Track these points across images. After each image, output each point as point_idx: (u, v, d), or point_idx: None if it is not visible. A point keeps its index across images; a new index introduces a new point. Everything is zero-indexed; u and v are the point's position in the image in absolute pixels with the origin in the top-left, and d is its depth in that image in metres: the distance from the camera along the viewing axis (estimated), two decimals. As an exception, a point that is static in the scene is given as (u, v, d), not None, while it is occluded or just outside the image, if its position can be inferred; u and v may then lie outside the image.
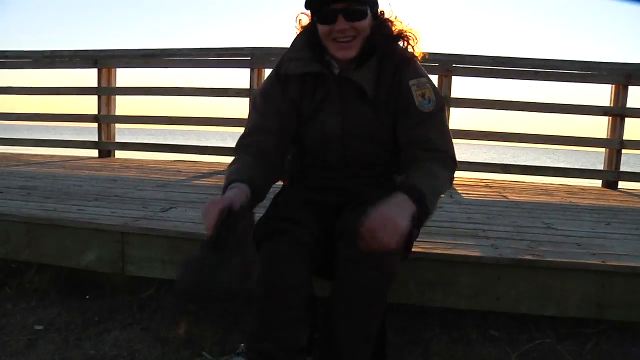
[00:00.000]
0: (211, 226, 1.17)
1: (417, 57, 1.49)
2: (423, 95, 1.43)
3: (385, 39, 1.44)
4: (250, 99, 4.70)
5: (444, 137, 1.46)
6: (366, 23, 1.39)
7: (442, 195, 1.44)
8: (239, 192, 1.30)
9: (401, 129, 1.46)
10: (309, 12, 1.46)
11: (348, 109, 1.46)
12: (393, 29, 1.46)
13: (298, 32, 1.52)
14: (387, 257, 1.28)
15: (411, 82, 1.43)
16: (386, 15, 1.47)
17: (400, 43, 1.47)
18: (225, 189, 1.35)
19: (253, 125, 1.51)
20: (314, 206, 1.46)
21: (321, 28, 1.40)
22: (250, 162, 1.42)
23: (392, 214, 1.19)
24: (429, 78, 1.48)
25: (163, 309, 2.01)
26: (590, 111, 4.54)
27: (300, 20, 1.51)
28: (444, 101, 1.51)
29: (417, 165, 1.40)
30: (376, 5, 1.45)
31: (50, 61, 5.35)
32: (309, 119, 1.49)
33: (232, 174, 1.38)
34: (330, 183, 1.50)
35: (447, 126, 1.50)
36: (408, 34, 1.47)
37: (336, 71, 1.46)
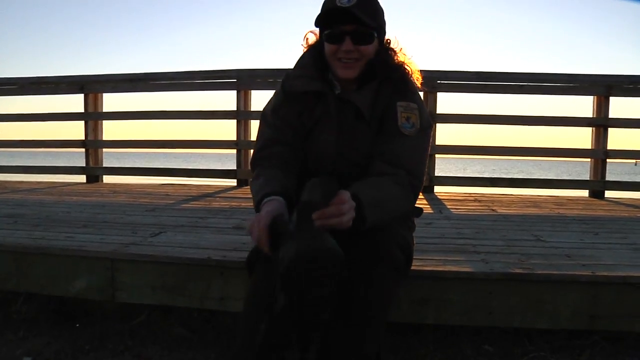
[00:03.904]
0: (264, 245, 1.22)
1: (416, 82, 1.54)
2: (407, 119, 1.47)
3: (385, 66, 1.48)
4: (236, 121, 4.72)
5: (414, 157, 1.47)
6: (371, 47, 1.46)
7: (397, 213, 1.41)
8: (277, 206, 1.31)
9: (375, 141, 1.48)
10: (317, 31, 1.52)
11: (344, 128, 1.49)
12: (395, 58, 1.52)
13: (304, 50, 1.58)
14: (389, 278, 1.31)
15: (399, 104, 1.48)
16: (392, 45, 1.53)
17: None
18: (258, 204, 1.35)
19: (268, 138, 1.54)
20: None
21: (328, 47, 1.46)
22: (275, 173, 1.44)
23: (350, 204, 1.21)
24: (420, 105, 1.51)
25: (155, 335, 1.99)
26: (573, 123, 4.63)
27: (307, 39, 1.58)
28: (429, 128, 1.53)
29: (368, 179, 1.39)
30: (384, 32, 1.51)
31: (37, 87, 5.36)
32: (307, 134, 1.53)
33: (262, 188, 1.38)
34: None
35: (424, 150, 1.51)
36: (407, 67, 1.52)
37: (337, 91, 1.51)
